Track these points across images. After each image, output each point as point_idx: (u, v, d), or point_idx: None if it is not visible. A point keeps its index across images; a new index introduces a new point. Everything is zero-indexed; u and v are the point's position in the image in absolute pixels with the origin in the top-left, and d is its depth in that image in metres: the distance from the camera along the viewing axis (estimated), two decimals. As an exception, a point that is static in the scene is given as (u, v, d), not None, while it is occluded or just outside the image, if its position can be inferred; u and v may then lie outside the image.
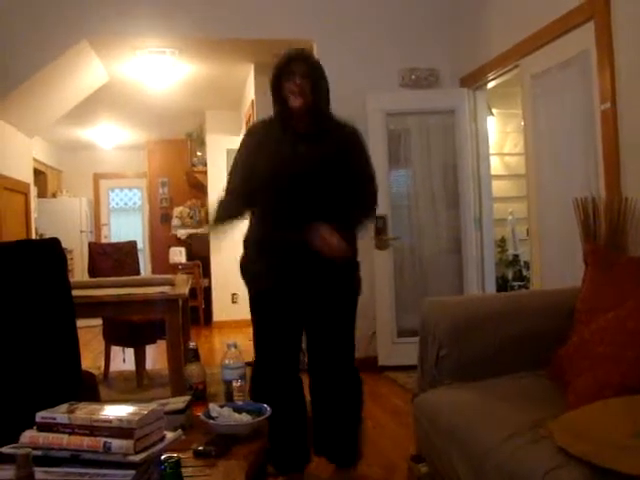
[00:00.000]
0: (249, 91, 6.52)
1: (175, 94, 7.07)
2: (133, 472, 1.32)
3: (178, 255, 8.38)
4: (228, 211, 2.70)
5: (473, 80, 5.09)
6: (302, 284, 2.65)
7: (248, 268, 2.74)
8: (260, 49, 5.53)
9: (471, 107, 5.17)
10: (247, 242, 2.78)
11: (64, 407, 1.46)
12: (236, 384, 2.00)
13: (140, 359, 4.93)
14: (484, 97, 5.27)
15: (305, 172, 2.58)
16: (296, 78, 2.56)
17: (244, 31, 5.22)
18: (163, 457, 0.95)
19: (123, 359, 5.37)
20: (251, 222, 2.80)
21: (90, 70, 5.79)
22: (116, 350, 5.34)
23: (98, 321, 5.32)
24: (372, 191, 2.80)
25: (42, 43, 4.91)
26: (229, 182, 2.75)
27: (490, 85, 5.10)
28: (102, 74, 6.04)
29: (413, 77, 5.30)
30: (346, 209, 2.66)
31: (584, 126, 3.61)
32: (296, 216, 2.59)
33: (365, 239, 4.92)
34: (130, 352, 5.09)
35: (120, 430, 1.35)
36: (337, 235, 2.50)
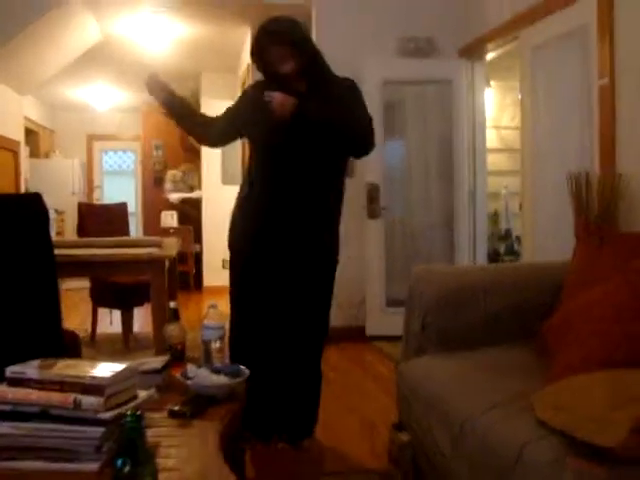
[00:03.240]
0: (245, 54, 6.42)
1: (171, 55, 6.97)
2: (103, 429, 1.29)
3: (169, 219, 8.33)
4: (195, 122, 2.90)
5: (472, 51, 5.02)
6: (280, 250, 2.71)
7: (234, 227, 2.81)
8: (257, 11, 5.42)
9: (469, 78, 5.11)
10: (237, 203, 2.84)
11: (35, 362, 1.43)
12: (215, 345, 1.98)
13: (127, 321, 4.91)
14: (482, 69, 5.20)
15: (295, 139, 2.60)
16: (273, 47, 2.59)
17: (241, -8, 5.13)
18: (126, 409, 0.92)
19: (110, 321, 5.36)
20: (243, 185, 2.83)
21: (83, 28, 5.68)
22: (104, 313, 5.32)
23: (86, 283, 5.29)
24: (369, 120, 2.73)
25: (33, -3, 4.82)
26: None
27: (489, 56, 5.04)
28: (95, 32, 5.93)
29: (411, 46, 5.21)
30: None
31: (581, 101, 3.57)
32: (289, 178, 2.64)
33: (357, 208, 4.94)
34: (117, 315, 5.07)
35: (91, 386, 1.32)
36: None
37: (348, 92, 2.74)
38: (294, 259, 2.74)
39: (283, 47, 2.58)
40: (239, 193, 2.84)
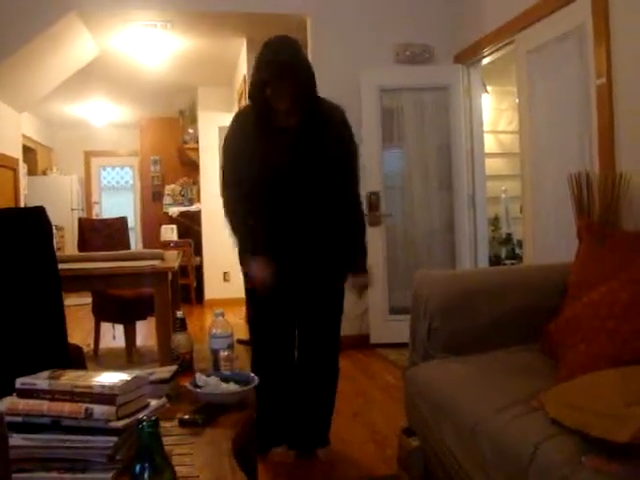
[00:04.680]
0: (241, 67, 6.44)
1: (167, 70, 6.98)
2: (115, 438, 1.28)
3: (169, 233, 8.33)
4: (241, 219, 2.64)
5: (467, 56, 5.03)
6: (294, 282, 2.69)
7: (244, 263, 2.73)
8: (253, 23, 5.46)
9: (465, 84, 5.13)
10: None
11: (45, 374, 1.42)
12: (223, 353, 1.97)
13: (130, 335, 4.90)
14: (479, 74, 5.21)
15: (296, 167, 2.58)
16: (275, 81, 2.49)
17: (237, 4, 5.14)
18: (140, 417, 0.91)
19: (113, 336, 5.34)
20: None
21: (79, 43, 5.69)
22: (106, 327, 5.30)
23: (88, 299, 5.28)
24: (357, 198, 2.79)
25: (30, 15, 4.82)
26: (229, 176, 2.69)
27: (485, 61, 5.04)
28: (92, 48, 5.94)
29: (407, 53, 5.23)
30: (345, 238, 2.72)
31: (579, 102, 3.57)
32: (288, 213, 2.63)
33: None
34: (120, 329, 5.05)
35: (102, 396, 1.31)
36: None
37: (341, 131, 2.67)
38: (308, 294, 2.76)
39: (284, 82, 2.48)
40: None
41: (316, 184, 2.62)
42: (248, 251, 2.59)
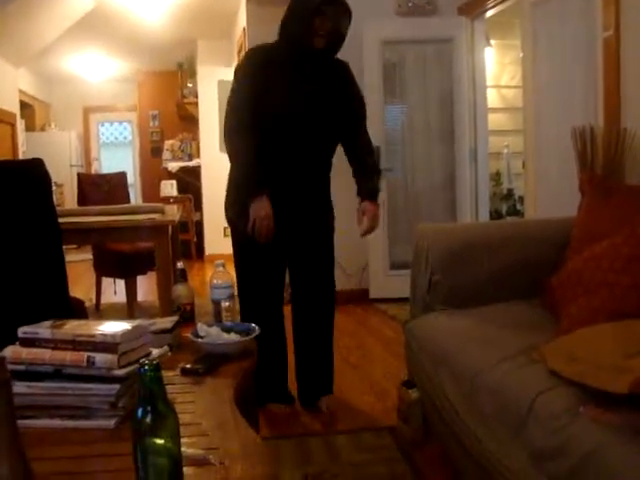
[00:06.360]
0: (241, 20, 6.32)
1: (165, 22, 6.87)
2: (117, 386, 1.29)
3: (169, 188, 8.29)
4: (251, 154, 2.54)
5: (471, 8, 4.94)
6: (282, 224, 2.62)
7: (232, 206, 2.74)
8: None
9: (468, 37, 5.04)
10: (234, 179, 2.75)
11: (47, 323, 1.42)
12: (224, 304, 1.97)
13: (131, 290, 4.92)
14: (482, 27, 5.13)
15: (313, 114, 2.61)
16: (328, 20, 2.50)
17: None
18: (142, 361, 0.91)
19: (114, 291, 5.36)
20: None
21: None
22: (108, 283, 5.32)
23: (89, 255, 5.29)
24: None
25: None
26: (235, 116, 2.59)
27: (489, 14, 4.95)
28: (88, -1, 5.84)
29: (410, 4, 5.13)
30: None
31: (585, 55, 3.51)
32: (301, 157, 2.63)
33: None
34: (121, 284, 5.07)
35: (104, 345, 1.31)
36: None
37: (350, 80, 2.80)
38: (296, 234, 2.75)
39: (331, 22, 2.50)
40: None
41: (331, 131, 2.68)
42: (250, 191, 2.53)
